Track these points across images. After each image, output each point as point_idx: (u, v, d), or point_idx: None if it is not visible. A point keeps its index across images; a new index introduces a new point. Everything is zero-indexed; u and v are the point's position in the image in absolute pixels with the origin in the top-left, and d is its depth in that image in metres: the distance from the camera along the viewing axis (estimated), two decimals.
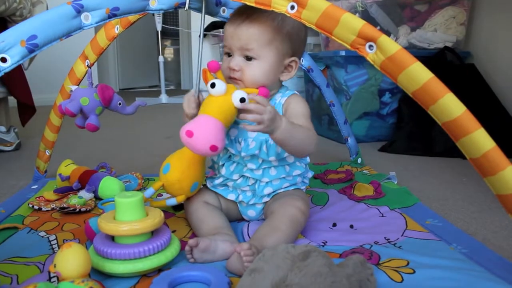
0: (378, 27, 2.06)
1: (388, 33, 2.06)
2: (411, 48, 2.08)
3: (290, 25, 0.93)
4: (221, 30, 4.15)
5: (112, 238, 0.81)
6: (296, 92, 1.00)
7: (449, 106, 0.68)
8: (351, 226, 1.00)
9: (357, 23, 0.73)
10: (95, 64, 1.38)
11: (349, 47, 0.75)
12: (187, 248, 0.81)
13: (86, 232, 0.90)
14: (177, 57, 6.76)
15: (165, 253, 0.79)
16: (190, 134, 0.80)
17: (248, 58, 0.93)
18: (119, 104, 1.20)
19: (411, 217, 1.04)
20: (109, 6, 0.80)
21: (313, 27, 0.77)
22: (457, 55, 2.00)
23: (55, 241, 0.92)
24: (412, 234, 0.95)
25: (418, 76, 0.69)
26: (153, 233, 0.82)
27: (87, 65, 1.21)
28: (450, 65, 1.95)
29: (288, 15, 0.79)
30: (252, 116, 0.80)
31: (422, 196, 1.23)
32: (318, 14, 0.75)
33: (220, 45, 4.20)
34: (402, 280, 0.75)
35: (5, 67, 0.69)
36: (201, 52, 1.01)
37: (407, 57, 0.70)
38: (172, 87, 6.61)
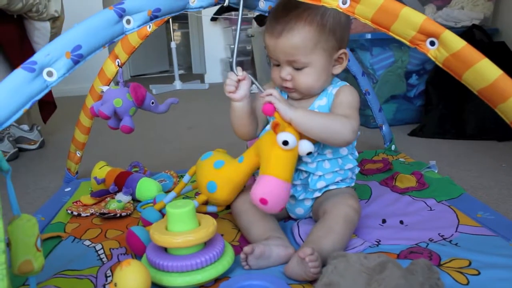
0: None
1: None
2: None
3: (331, 19, 0.89)
4: (232, 13, 4.09)
5: (164, 248, 0.79)
6: (347, 83, 0.97)
7: None
8: (401, 222, 0.98)
9: (417, 18, 0.69)
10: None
11: (408, 43, 0.72)
12: (242, 255, 0.79)
13: (131, 242, 0.88)
14: (186, 40, 6.68)
15: (221, 262, 0.77)
16: (264, 202, 0.78)
17: (297, 68, 0.90)
18: (152, 103, 1.17)
19: (461, 210, 1.01)
20: (151, 7, 0.77)
21: (368, 22, 0.73)
22: (486, 33, 1.94)
23: (102, 251, 0.91)
24: (466, 229, 0.93)
25: (487, 74, 0.66)
26: (207, 241, 0.80)
27: (118, 65, 1.18)
28: (480, 44, 1.89)
29: (340, 10, 0.75)
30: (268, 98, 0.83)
31: (464, 185, 1.19)
32: (374, 9, 0.71)
33: (233, 28, 4.14)
34: (468, 282, 0.72)
35: (52, 81, 0.66)
36: (237, 42, 0.97)
37: (473, 53, 0.66)
38: (182, 71, 6.55)
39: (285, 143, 0.78)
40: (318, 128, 0.85)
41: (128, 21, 0.75)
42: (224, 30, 4.53)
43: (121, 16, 0.73)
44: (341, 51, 0.93)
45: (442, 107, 1.87)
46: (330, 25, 0.89)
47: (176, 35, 7.58)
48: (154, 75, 6.22)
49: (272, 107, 0.81)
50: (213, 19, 4.47)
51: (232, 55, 0.94)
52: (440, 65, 0.70)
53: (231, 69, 0.92)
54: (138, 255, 0.88)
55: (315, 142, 0.87)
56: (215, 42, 4.64)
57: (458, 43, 0.67)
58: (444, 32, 0.68)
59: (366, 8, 0.72)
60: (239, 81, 0.92)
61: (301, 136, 0.84)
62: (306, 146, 0.81)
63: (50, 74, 0.65)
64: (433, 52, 0.70)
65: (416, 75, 2.01)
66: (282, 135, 0.78)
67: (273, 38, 0.90)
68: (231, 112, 0.96)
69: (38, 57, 0.64)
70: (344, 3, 0.74)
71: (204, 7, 0.87)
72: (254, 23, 3.40)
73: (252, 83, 0.94)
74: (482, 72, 0.66)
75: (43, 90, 0.65)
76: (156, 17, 0.79)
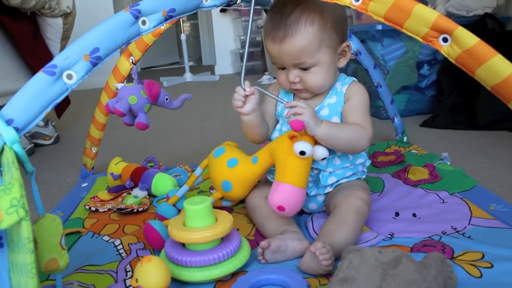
0: None
1: (425, 3, 1.98)
2: (449, 17, 1.99)
3: (331, 16, 0.90)
4: (242, 4, 4.08)
5: (182, 244, 0.81)
6: (355, 80, 0.98)
7: None
8: (414, 215, 0.99)
9: (430, 14, 0.70)
10: None
11: (420, 39, 0.72)
12: (259, 250, 0.81)
13: (149, 236, 0.90)
14: (195, 32, 6.68)
15: (238, 257, 0.79)
16: (282, 209, 0.81)
17: (305, 68, 0.91)
18: (166, 99, 1.19)
19: (474, 202, 1.02)
20: (166, 8, 0.78)
21: (381, 19, 0.74)
22: (499, 22, 1.92)
23: (120, 246, 0.93)
24: (479, 222, 0.93)
25: (500, 70, 0.66)
26: (223, 236, 0.82)
27: (132, 62, 1.19)
28: (492, 33, 1.87)
29: (353, 7, 0.75)
30: (294, 109, 0.83)
31: (477, 177, 1.19)
32: (387, 6, 0.72)
33: (242, 19, 4.13)
34: (481, 275, 0.74)
35: (71, 84, 0.67)
36: (247, 46, 0.97)
37: (486, 50, 0.67)
38: (192, 63, 6.56)
39: (302, 153, 0.80)
40: (341, 143, 0.89)
41: (144, 22, 0.76)
42: (233, 21, 4.53)
43: (136, 18, 0.74)
44: (344, 44, 0.94)
45: (454, 98, 1.86)
46: (331, 22, 0.89)
47: (186, 26, 7.58)
48: (164, 67, 6.24)
49: (301, 124, 0.80)
50: (222, 10, 4.47)
51: (242, 47, 0.95)
52: (453, 62, 0.70)
53: (241, 59, 0.93)
54: (156, 249, 0.90)
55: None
56: (224, 33, 4.64)
57: (471, 40, 0.67)
58: (457, 28, 0.68)
59: (379, 5, 0.73)
60: (246, 96, 0.92)
61: (316, 142, 0.85)
62: (321, 153, 0.84)
63: (69, 77, 0.67)
64: (446, 49, 0.70)
65: (427, 66, 2.00)
66: (300, 145, 0.80)
67: (276, 44, 0.89)
68: (241, 125, 0.97)
69: (58, 60, 0.65)
70: (356, 0, 0.75)
71: (218, 6, 0.88)
72: (264, 14, 3.39)
73: (262, 93, 0.95)
74: (495, 68, 0.66)
75: (64, 93, 0.66)
76: (171, 17, 0.80)
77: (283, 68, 0.94)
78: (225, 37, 4.65)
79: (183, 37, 4.37)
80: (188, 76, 4.23)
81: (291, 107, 0.84)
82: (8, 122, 0.59)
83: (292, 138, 0.82)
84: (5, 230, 0.53)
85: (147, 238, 0.90)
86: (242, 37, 4.22)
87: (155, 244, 0.89)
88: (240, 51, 4.20)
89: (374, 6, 0.73)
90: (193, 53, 6.97)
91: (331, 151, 0.95)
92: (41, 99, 0.63)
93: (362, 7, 0.74)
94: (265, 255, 0.81)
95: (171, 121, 2.38)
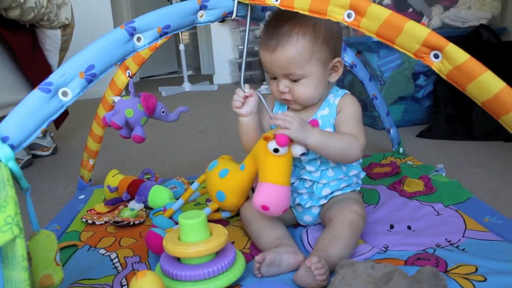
0: (410, 9, 2.00)
1: (421, 14, 2.00)
2: (445, 28, 2.02)
3: (323, 30, 0.91)
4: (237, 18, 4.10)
5: (178, 258, 0.82)
6: (348, 92, 0.99)
7: None
8: (409, 227, 0.99)
9: (421, 31, 0.70)
10: None
11: (412, 55, 0.73)
12: (256, 265, 0.82)
13: (154, 242, 0.89)
14: (194, 41, 6.72)
15: (233, 271, 0.79)
16: (266, 208, 0.82)
17: (294, 80, 0.92)
18: (163, 112, 1.20)
19: (468, 215, 1.02)
20: (160, 25, 0.79)
21: (373, 35, 0.75)
22: (494, 33, 1.94)
23: (116, 259, 0.93)
24: (473, 234, 0.94)
25: (490, 86, 0.66)
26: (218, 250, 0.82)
27: (128, 75, 1.20)
28: (487, 44, 1.89)
29: (345, 23, 0.76)
30: (281, 122, 0.84)
31: (472, 188, 1.20)
32: (379, 22, 0.73)
33: (240, 29, 4.16)
34: None
35: (67, 101, 0.68)
36: (245, 54, 1.00)
37: (476, 66, 0.67)
38: (191, 72, 6.58)
39: (276, 150, 0.82)
40: (333, 152, 0.89)
41: (139, 39, 0.77)
42: (232, 31, 4.56)
43: (131, 35, 0.75)
44: (336, 59, 0.95)
45: (450, 108, 1.87)
46: (323, 36, 0.91)
47: (184, 35, 7.62)
48: (163, 77, 6.26)
49: (285, 139, 0.81)
50: (221, 20, 4.49)
51: (240, 57, 0.97)
52: (444, 77, 0.71)
53: (239, 69, 0.95)
54: (159, 254, 0.89)
55: None
56: (223, 43, 4.66)
57: (462, 57, 0.68)
58: (447, 45, 0.69)
59: (371, 22, 0.74)
60: (246, 97, 0.95)
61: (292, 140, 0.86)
62: (298, 149, 0.84)
63: (65, 94, 0.67)
64: (437, 65, 0.71)
65: (423, 76, 2.02)
66: (273, 144, 0.82)
67: (268, 53, 0.91)
68: (238, 127, 0.99)
69: (53, 78, 0.66)
70: (349, 16, 0.76)
71: (212, 21, 0.90)
72: (262, 25, 3.41)
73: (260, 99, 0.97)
74: (485, 85, 0.67)
75: (59, 110, 0.67)
76: (166, 33, 0.81)
77: (275, 78, 0.95)
78: (224, 47, 4.67)
79: (181, 47, 4.39)
80: (187, 86, 4.24)
81: (277, 119, 0.85)
82: (4, 140, 0.59)
83: (266, 138, 0.83)
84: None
85: (150, 245, 0.90)
86: (240, 47, 4.24)
87: (160, 250, 0.88)
88: (239, 61, 4.22)
89: (366, 22, 0.74)
90: (191, 62, 7.00)
91: (325, 163, 0.96)
92: (37, 116, 0.64)
93: (355, 23, 0.76)
94: (260, 269, 0.82)
95: (168, 132, 2.39)
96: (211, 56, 4.90)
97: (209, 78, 4.93)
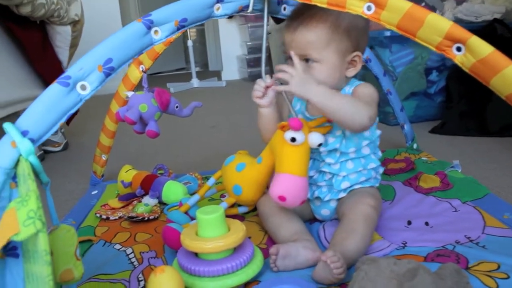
0: (423, 3, 1.98)
1: (433, 9, 1.98)
2: (458, 23, 1.99)
3: (346, 21, 0.91)
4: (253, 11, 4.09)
5: (195, 253, 0.81)
6: (365, 83, 0.99)
7: None
8: (427, 224, 0.98)
9: (444, 24, 0.69)
10: None
11: (434, 49, 0.72)
12: (272, 257, 0.81)
13: (171, 237, 0.89)
14: (202, 37, 6.69)
15: (251, 267, 0.79)
16: (283, 199, 0.81)
17: (308, 61, 0.93)
18: (176, 107, 1.19)
19: (487, 211, 1.01)
20: (178, 18, 0.78)
21: (394, 28, 0.74)
22: (508, 27, 1.91)
23: (132, 255, 0.93)
24: (493, 231, 0.93)
25: None
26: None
27: (142, 70, 1.20)
28: (501, 39, 1.86)
29: (365, 16, 0.75)
30: (282, 75, 0.85)
31: (489, 185, 1.18)
32: (399, 15, 0.72)
33: (249, 25, 4.14)
34: (498, 286, 0.73)
35: (85, 94, 0.67)
36: (264, 45, 1.01)
37: (501, 59, 0.66)
38: (198, 68, 6.58)
39: (293, 139, 0.81)
40: (337, 110, 0.86)
41: (156, 32, 0.76)
42: (240, 27, 4.53)
43: (149, 28, 0.75)
44: (355, 53, 0.94)
45: (463, 104, 1.86)
46: (345, 26, 0.91)
47: (192, 32, 7.61)
48: (171, 73, 6.25)
49: (299, 122, 0.80)
50: (229, 16, 4.48)
51: (249, 53, 0.97)
52: (467, 71, 0.70)
53: (247, 65, 0.96)
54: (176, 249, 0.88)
55: (324, 133, 0.89)
56: (231, 39, 4.65)
57: (485, 49, 0.66)
58: (471, 37, 0.67)
59: (392, 15, 0.72)
60: (266, 88, 0.94)
61: (310, 129, 0.86)
62: (315, 138, 0.84)
63: (83, 87, 0.67)
64: (459, 58, 0.70)
65: (436, 72, 2.00)
66: (290, 133, 0.81)
67: (290, 33, 0.94)
68: (258, 118, 0.98)
69: (72, 71, 0.66)
70: (369, 9, 0.75)
71: (229, 15, 0.89)
72: (271, 20, 3.40)
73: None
74: (511, 78, 0.65)
75: (77, 104, 0.66)
76: (183, 26, 0.80)
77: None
78: (232, 43, 4.65)
79: (190, 43, 4.38)
80: (195, 82, 4.23)
81: (279, 71, 0.86)
82: (24, 134, 0.59)
83: (283, 127, 0.83)
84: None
85: (168, 240, 0.90)
86: (248, 43, 4.22)
87: (177, 245, 0.87)
88: (247, 57, 4.20)
89: (387, 15, 0.73)
90: (199, 58, 6.98)
91: (344, 154, 0.95)
92: (56, 110, 0.63)
93: (375, 16, 0.74)
94: (276, 262, 0.81)
95: (180, 128, 2.38)
96: (219, 52, 4.89)
97: (217, 74, 4.91)
